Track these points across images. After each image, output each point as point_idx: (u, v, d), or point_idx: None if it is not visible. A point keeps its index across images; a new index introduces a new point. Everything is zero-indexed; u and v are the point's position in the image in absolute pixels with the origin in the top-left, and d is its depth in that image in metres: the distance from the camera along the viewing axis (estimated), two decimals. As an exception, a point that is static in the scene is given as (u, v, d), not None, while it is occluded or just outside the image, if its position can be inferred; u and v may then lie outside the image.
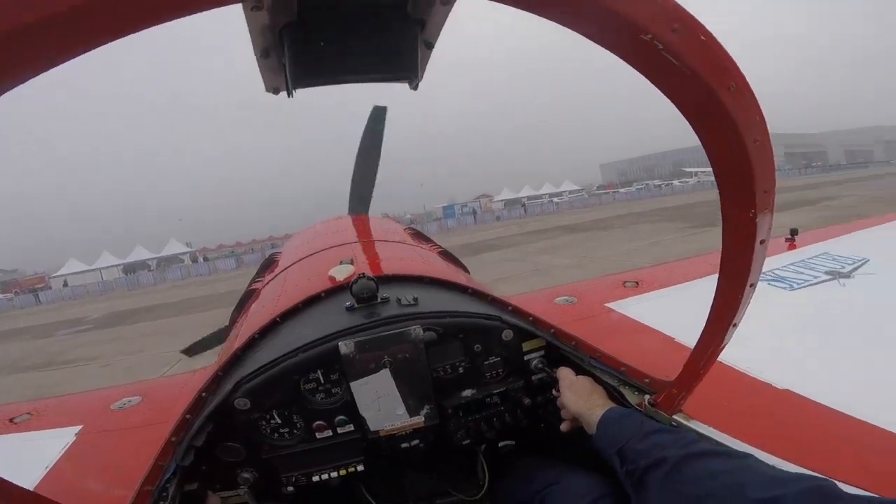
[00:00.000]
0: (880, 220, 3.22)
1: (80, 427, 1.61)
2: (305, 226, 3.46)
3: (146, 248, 54.02)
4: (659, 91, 0.65)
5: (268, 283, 2.54)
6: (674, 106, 0.67)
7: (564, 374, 1.32)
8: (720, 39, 0.58)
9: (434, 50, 0.74)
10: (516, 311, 1.46)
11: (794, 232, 2.84)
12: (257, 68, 0.70)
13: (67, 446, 1.49)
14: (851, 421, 1.11)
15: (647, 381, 1.17)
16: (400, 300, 1.36)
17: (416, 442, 1.35)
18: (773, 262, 2.39)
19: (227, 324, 2.94)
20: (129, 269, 48.87)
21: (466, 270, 2.81)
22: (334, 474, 1.29)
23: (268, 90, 0.72)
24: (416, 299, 1.36)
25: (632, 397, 1.18)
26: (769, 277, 2.20)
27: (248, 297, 2.71)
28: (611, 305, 2.11)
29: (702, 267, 2.44)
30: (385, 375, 1.24)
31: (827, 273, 2.21)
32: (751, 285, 0.79)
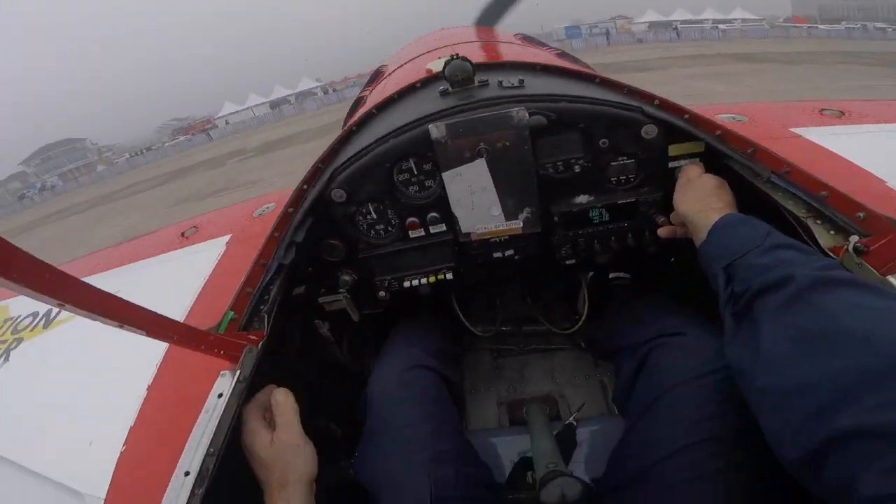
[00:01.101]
0: None
1: (230, 235, 1.75)
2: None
3: (284, 87, 58.70)
4: None
5: (373, 89, 2.43)
6: None
7: (688, 168, 1.01)
8: None
9: None
10: (665, 106, 1.06)
11: None
12: None
13: (220, 255, 1.61)
14: None
15: (862, 215, 0.77)
16: (501, 82, 1.09)
17: (510, 252, 1.20)
18: None
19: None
20: (274, 104, 54.34)
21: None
22: (424, 280, 1.22)
23: None
24: (521, 81, 1.07)
25: (826, 238, 0.80)
26: None
27: (357, 104, 2.68)
28: (799, 131, 1.54)
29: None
30: (480, 166, 1.03)
31: None
32: None
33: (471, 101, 1.04)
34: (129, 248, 2.19)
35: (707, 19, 53.09)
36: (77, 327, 1.50)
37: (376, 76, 3.01)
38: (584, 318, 1.42)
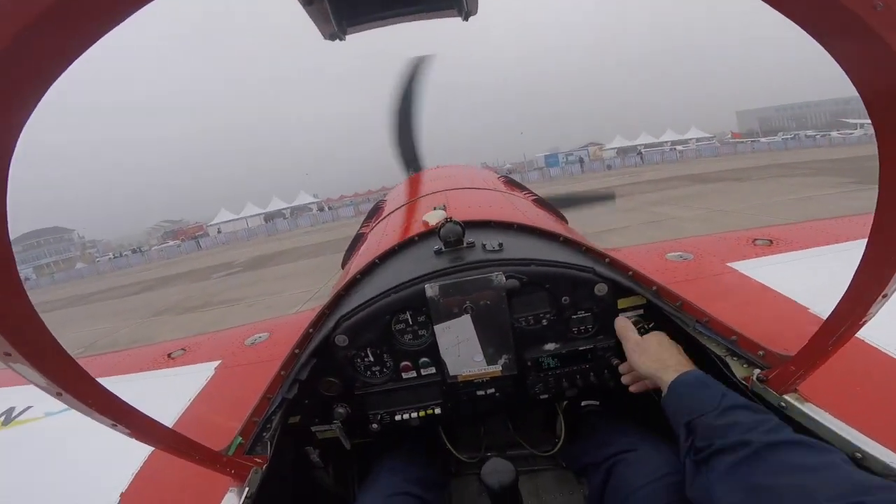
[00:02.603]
0: None
1: (219, 361, 1.83)
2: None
3: (281, 199, 61.56)
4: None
5: (373, 228, 2.71)
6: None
7: (625, 330, 1.22)
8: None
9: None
10: (614, 264, 1.34)
11: None
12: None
13: (209, 379, 1.70)
14: None
15: (762, 353, 1.01)
16: (485, 245, 1.34)
17: (492, 391, 1.35)
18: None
19: (341, 266, 3.21)
20: (269, 217, 55.94)
21: (564, 219, 2.66)
22: (414, 415, 1.35)
23: (325, 38, 0.75)
24: (500, 245, 1.32)
25: (739, 370, 1.04)
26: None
27: (357, 241, 2.92)
28: (734, 265, 1.83)
29: (860, 227, 1.98)
30: (466, 321, 1.24)
31: None
32: None
33: (460, 262, 1.28)
34: (110, 360, 2.19)
35: (666, 141, 59.72)
36: (39, 428, 1.53)
37: (375, 211, 3.31)
38: (561, 440, 1.55)
